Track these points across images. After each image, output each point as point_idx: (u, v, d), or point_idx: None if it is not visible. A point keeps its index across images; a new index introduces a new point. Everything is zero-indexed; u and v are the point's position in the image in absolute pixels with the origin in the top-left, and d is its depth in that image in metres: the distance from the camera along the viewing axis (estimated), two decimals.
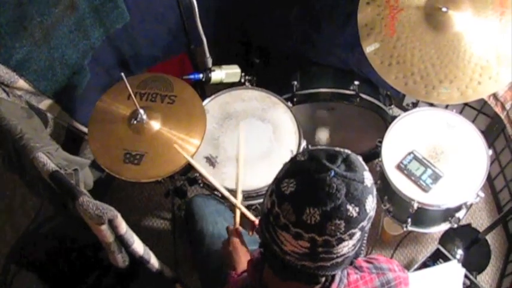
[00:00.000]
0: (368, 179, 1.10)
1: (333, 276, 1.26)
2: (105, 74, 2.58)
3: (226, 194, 1.97)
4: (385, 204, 2.42)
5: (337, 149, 1.14)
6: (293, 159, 1.16)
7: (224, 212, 2.25)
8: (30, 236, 2.51)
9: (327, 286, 1.26)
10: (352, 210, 1.04)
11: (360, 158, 1.15)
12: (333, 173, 1.05)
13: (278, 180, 1.12)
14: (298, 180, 1.08)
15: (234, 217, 1.93)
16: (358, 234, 1.09)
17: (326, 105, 2.65)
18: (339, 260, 1.12)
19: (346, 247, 1.09)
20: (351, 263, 1.21)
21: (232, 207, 2.06)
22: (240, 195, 2.03)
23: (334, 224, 1.04)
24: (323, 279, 1.22)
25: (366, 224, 1.10)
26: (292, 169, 1.13)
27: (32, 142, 1.78)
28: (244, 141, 2.24)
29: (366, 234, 1.17)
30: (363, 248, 1.20)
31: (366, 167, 1.14)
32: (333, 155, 1.11)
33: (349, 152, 1.14)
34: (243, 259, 1.75)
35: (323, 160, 1.08)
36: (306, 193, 1.06)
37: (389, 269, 1.43)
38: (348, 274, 1.33)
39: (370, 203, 1.09)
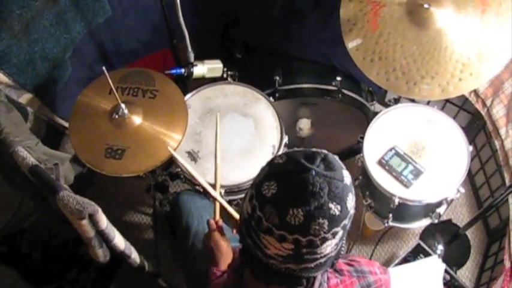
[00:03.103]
0: (347, 177, 1.10)
1: (313, 281, 1.26)
2: (86, 69, 2.57)
3: (205, 184, 1.96)
4: (366, 200, 2.43)
5: (315, 149, 1.14)
6: (271, 162, 1.15)
7: (210, 208, 2.24)
8: (10, 231, 2.49)
9: None
10: (335, 208, 1.04)
11: (337, 158, 1.14)
12: (314, 172, 1.05)
13: (257, 184, 1.11)
14: (279, 182, 1.07)
15: (214, 209, 1.92)
16: (340, 233, 1.10)
17: (308, 101, 2.65)
18: (322, 260, 1.12)
19: (330, 246, 1.10)
20: (332, 265, 1.20)
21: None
22: (218, 187, 2.02)
23: (318, 223, 1.03)
24: (304, 281, 1.22)
25: (348, 222, 1.10)
26: (272, 171, 1.12)
27: (11, 136, 1.77)
28: (220, 132, 2.24)
29: (346, 233, 1.17)
30: (343, 248, 1.20)
31: (343, 166, 1.13)
32: (311, 156, 1.10)
33: (326, 152, 1.14)
34: (224, 255, 1.75)
35: (302, 160, 1.08)
36: (288, 194, 1.05)
37: (370, 271, 1.44)
38: (328, 278, 1.33)
39: (351, 201, 1.09)
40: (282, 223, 1.04)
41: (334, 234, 1.07)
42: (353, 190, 1.12)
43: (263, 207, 1.07)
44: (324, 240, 1.07)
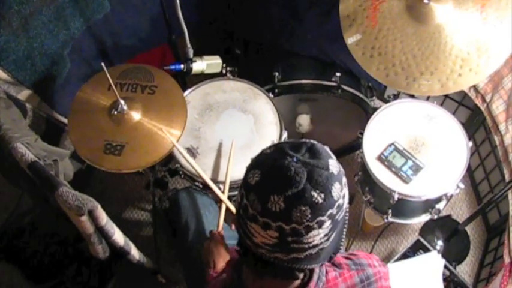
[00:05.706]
0: (334, 166, 1.10)
1: (311, 274, 1.26)
2: (85, 65, 2.56)
3: (212, 184, 2.00)
4: (366, 196, 2.44)
5: (303, 140, 1.15)
6: (260, 153, 1.18)
7: (209, 205, 2.25)
8: (10, 227, 2.49)
9: (304, 283, 1.26)
10: (317, 196, 1.04)
11: (327, 148, 1.15)
12: (295, 159, 1.07)
13: (245, 174, 1.14)
14: (261, 170, 1.09)
15: (219, 217, 1.95)
16: (327, 223, 1.08)
17: (308, 97, 2.65)
18: (313, 251, 1.11)
19: (317, 236, 1.08)
20: (330, 259, 1.20)
21: (216, 198, 2.06)
22: (226, 192, 2.05)
23: (299, 210, 1.03)
24: (301, 275, 1.22)
25: (336, 212, 1.09)
26: (258, 161, 1.15)
27: (10, 132, 1.76)
28: (222, 130, 2.31)
29: (345, 228, 1.18)
30: (341, 243, 1.20)
31: (333, 156, 1.14)
32: (297, 145, 1.12)
33: (314, 142, 1.15)
34: (223, 255, 1.76)
35: (287, 149, 1.10)
36: (269, 181, 1.07)
37: (368, 264, 1.43)
38: (326, 272, 1.33)
39: (338, 191, 1.08)
40: (264, 210, 1.05)
41: (320, 224, 1.06)
42: (343, 180, 1.11)
43: (248, 195, 1.09)
44: (309, 229, 1.06)
